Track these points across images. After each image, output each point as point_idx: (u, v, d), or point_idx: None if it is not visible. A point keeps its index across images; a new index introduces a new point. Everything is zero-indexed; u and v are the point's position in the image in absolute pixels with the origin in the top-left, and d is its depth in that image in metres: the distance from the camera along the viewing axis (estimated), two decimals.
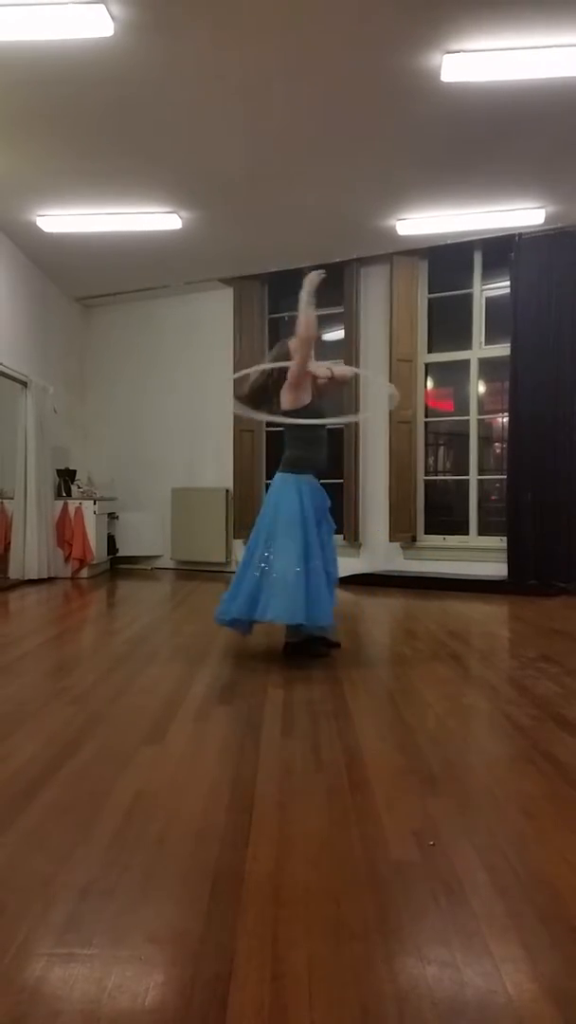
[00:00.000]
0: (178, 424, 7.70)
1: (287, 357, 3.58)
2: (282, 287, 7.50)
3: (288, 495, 3.53)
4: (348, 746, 2.32)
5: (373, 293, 6.94)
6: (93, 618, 5.23)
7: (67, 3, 3.30)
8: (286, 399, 3.58)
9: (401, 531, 6.80)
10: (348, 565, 5.75)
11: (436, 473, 7.37)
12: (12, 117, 4.41)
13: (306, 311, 3.47)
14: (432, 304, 6.92)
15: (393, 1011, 1.13)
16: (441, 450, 7.48)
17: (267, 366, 3.66)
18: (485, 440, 7.08)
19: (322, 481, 3.69)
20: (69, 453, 7.71)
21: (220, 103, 4.25)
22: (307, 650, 3.58)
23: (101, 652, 3.95)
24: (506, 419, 6.42)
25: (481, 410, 6.85)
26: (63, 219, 5.82)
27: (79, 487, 7.41)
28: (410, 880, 1.51)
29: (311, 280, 3.48)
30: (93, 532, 7.03)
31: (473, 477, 6.76)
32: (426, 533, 6.91)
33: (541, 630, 4.48)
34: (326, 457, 3.69)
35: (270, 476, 3.84)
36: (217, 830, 1.73)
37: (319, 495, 3.63)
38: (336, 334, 7.28)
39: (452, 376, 7.15)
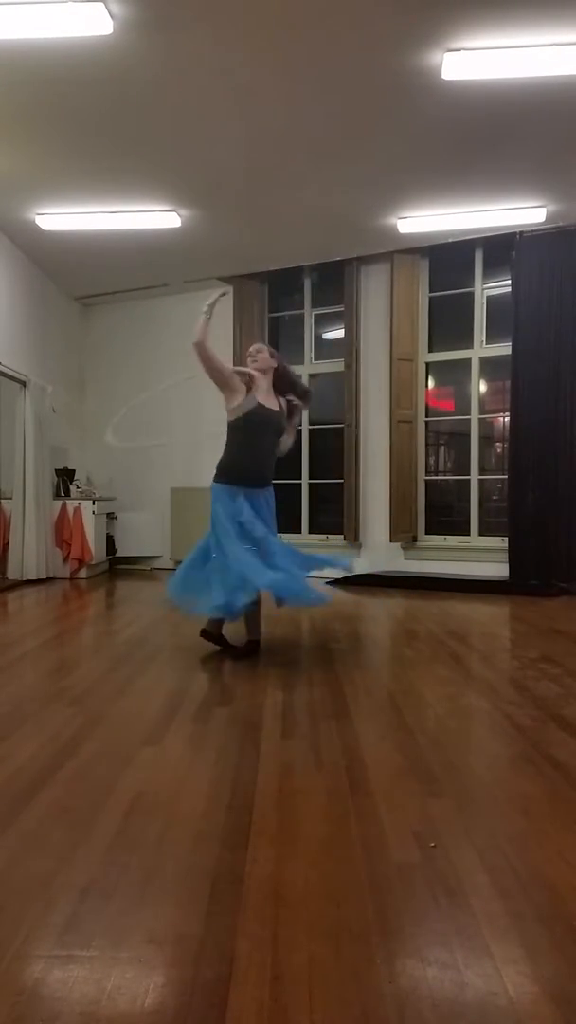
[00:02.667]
0: (178, 423, 7.69)
1: None
2: (282, 286, 7.50)
3: None
4: (348, 747, 2.32)
5: (374, 292, 6.92)
6: (92, 619, 5.23)
7: (66, 1, 3.30)
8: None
9: (402, 531, 6.78)
10: None
11: (437, 473, 7.36)
12: (10, 115, 4.40)
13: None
14: (433, 303, 6.91)
15: (393, 1013, 1.13)
16: (442, 450, 7.48)
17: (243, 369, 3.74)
18: (486, 440, 7.07)
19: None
20: (68, 453, 7.70)
21: (220, 101, 4.24)
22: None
23: (100, 653, 3.94)
24: (507, 419, 6.41)
25: (482, 409, 6.84)
26: (62, 217, 5.81)
27: (78, 487, 7.40)
28: (410, 881, 1.51)
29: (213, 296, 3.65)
30: (92, 532, 7.02)
31: (474, 477, 6.75)
32: (427, 533, 6.90)
33: (542, 630, 4.47)
34: (259, 467, 3.65)
35: None
36: (217, 831, 1.73)
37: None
38: (336, 333, 7.28)
39: (453, 375, 7.14)
